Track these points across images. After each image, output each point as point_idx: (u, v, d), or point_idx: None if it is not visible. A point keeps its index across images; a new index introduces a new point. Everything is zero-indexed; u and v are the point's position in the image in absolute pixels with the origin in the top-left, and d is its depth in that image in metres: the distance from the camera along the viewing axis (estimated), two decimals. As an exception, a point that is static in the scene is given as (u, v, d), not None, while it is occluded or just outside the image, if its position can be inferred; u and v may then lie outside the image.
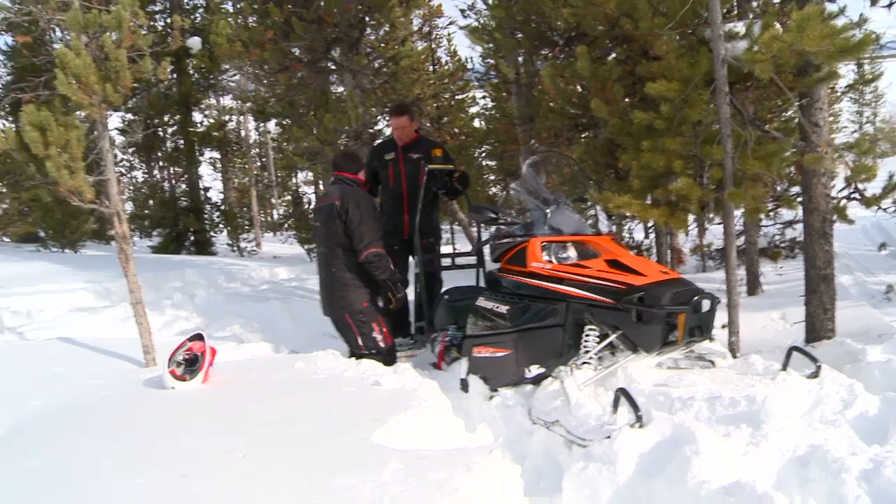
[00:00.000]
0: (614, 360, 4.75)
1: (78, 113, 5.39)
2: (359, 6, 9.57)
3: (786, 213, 12.48)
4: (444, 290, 6.66)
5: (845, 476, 3.02)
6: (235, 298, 8.84)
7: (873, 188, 5.96)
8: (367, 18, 9.96)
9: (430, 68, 15.50)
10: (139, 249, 14.96)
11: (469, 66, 15.98)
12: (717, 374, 4.70)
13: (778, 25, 5.07)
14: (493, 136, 14.54)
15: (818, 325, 6.00)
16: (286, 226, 21.70)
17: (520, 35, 8.65)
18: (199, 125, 18.92)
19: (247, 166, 26.59)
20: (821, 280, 5.94)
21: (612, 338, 4.71)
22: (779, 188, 10.79)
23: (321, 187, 22.10)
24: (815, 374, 4.31)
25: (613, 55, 7.35)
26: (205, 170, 21.38)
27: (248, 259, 16.03)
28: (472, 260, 6.81)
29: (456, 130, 15.48)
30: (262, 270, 11.37)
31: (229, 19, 11.67)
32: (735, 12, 7.40)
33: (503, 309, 5.14)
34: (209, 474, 3.12)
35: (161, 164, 20.07)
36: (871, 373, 4.52)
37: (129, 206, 18.61)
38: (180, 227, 17.07)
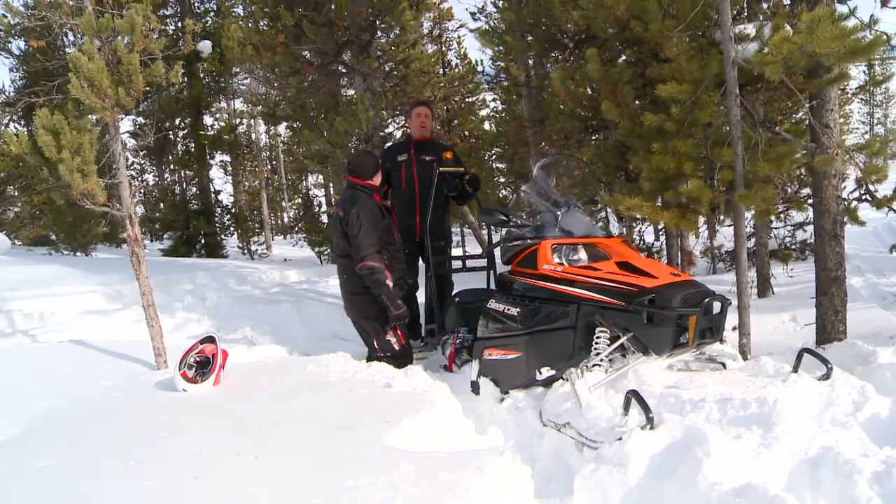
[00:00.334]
0: (625, 362, 4.75)
1: (90, 116, 5.43)
2: (369, 9, 9.61)
3: (796, 215, 12.44)
4: (454, 292, 6.68)
5: (857, 478, 3.02)
6: (246, 301, 8.86)
7: (884, 189, 5.94)
8: (377, 22, 10.00)
9: (441, 71, 15.53)
10: (150, 252, 15.02)
11: (479, 68, 16.04)
12: (728, 376, 4.69)
13: (788, 27, 5.06)
14: (504, 139, 14.57)
15: (829, 326, 5.98)
16: (296, 229, 21.77)
17: (530, 38, 8.67)
18: (209, 128, 19.00)
19: (257, 169, 26.65)
20: (832, 282, 5.93)
21: (623, 340, 4.70)
22: (789, 190, 10.78)
23: (332, 190, 22.17)
24: (826, 376, 4.30)
25: (624, 57, 7.36)
26: (215, 173, 21.46)
27: (259, 262, 16.07)
28: (483, 262, 6.82)
29: (466, 133, 15.51)
30: (272, 273, 11.40)
31: (240, 23, 11.74)
32: (745, 14, 7.39)
33: (514, 311, 5.15)
34: (221, 476, 3.14)
35: (172, 167, 20.13)
36: (882, 375, 4.51)
37: (140, 210, 18.66)
38: (191, 230, 17.15)
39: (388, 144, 9.17)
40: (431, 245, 6.41)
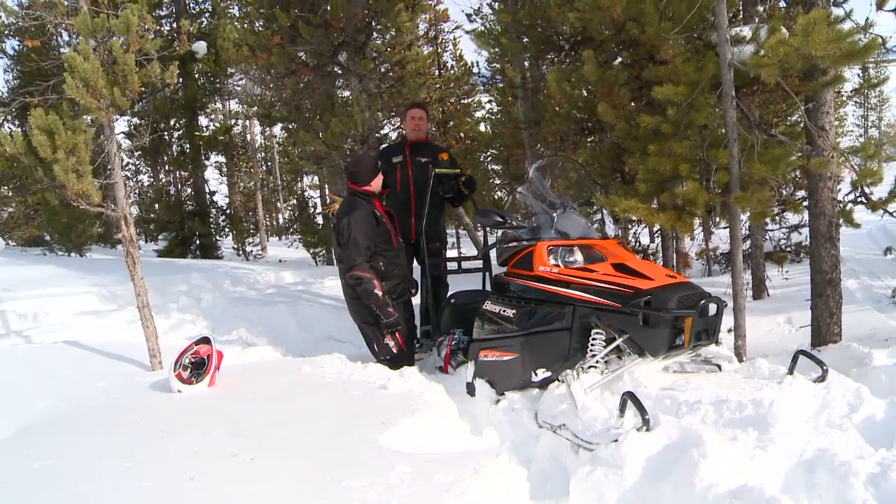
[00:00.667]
0: (621, 364, 4.75)
1: (85, 117, 5.42)
2: (365, 10, 9.59)
3: (792, 217, 12.48)
4: (450, 293, 6.67)
5: (853, 480, 3.03)
6: (241, 302, 8.85)
7: (879, 192, 5.95)
8: (373, 23, 9.98)
9: (437, 72, 15.54)
10: (145, 253, 14.95)
11: (475, 70, 16.02)
12: (724, 377, 4.69)
13: (784, 30, 5.07)
14: (499, 141, 14.59)
15: (824, 329, 5.99)
16: (292, 230, 21.75)
17: (526, 39, 8.67)
18: (205, 129, 18.99)
19: (252, 170, 26.64)
20: (827, 284, 5.94)
21: (619, 341, 4.70)
22: (785, 192, 10.79)
23: (327, 191, 22.14)
24: (821, 378, 4.31)
25: (620, 59, 7.36)
26: (210, 174, 21.47)
27: (254, 263, 16.06)
28: (479, 264, 6.82)
29: (462, 134, 15.52)
30: (267, 274, 11.38)
31: (236, 23, 11.72)
32: (741, 16, 7.41)
33: (510, 313, 5.15)
34: (216, 477, 3.13)
35: (167, 167, 20.11)
36: (877, 377, 4.52)
37: (135, 210, 18.63)
38: (186, 230, 17.13)
39: (384, 146, 9.15)
40: (427, 247, 6.41)
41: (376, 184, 5.81)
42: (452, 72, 16.35)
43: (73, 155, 5.02)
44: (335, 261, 5.95)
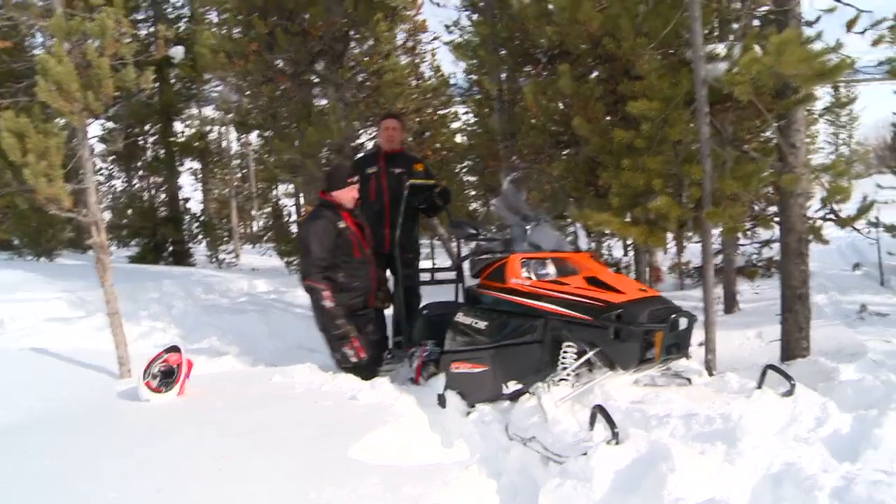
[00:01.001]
0: (591, 377, 4.75)
1: (58, 120, 5.37)
2: (344, 20, 9.58)
3: (763, 233, 12.62)
4: (422, 304, 6.66)
5: (817, 493, 3.05)
6: (213, 310, 8.79)
7: (848, 209, 6.03)
8: (351, 32, 9.97)
9: (414, 83, 15.51)
10: (116, 259, 14.81)
11: (452, 81, 16.02)
12: (694, 391, 4.71)
13: (758, 48, 5.13)
14: (475, 152, 14.62)
15: (793, 343, 6.05)
16: (266, 238, 21.64)
17: (503, 52, 8.72)
18: (180, 135, 18.84)
19: (227, 178, 26.48)
20: (796, 299, 6.00)
21: (590, 355, 4.71)
22: (756, 208, 10.90)
23: (302, 200, 22.06)
24: (789, 393, 4.34)
25: (596, 73, 7.41)
26: (185, 180, 21.25)
27: (227, 271, 15.95)
28: (452, 275, 6.80)
29: (438, 145, 15.48)
30: (240, 282, 11.33)
31: (213, 30, 11.65)
32: (716, 34, 7.48)
33: (482, 325, 5.14)
34: (182, 489, 3.10)
35: (141, 173, 19.90)
36: (843, 391, 4.56)
37: (107, 216, 18.44)
38: (159, 237, 16.97)
39: (359, 156, 9.14)
40: (400, 257, 6.39)
41: (345, 195, 5.77)
42: (430, 83, 16.34)
43: (43, 159, 4.96)
44: None
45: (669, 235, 6.97)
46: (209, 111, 22.50)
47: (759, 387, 4.47)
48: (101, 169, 20.50)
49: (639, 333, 4.52)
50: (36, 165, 4.89)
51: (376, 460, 3.49)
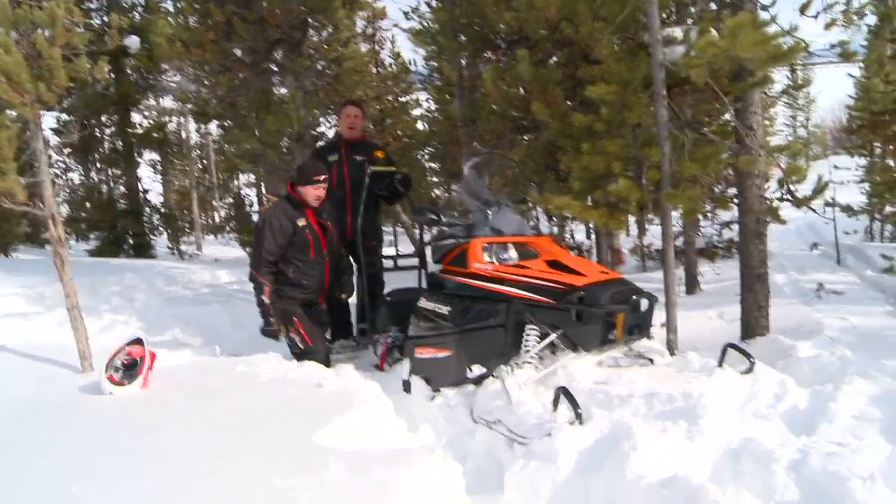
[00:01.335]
0: (555, 360, 4.80)
1: (9, 112, 5.26)
2: (302, 7, 9.48)
3: (723, 214, 12.77)
4: (385, 291, 6.66)
5: (775, 466, 3.12)
6: (175, 302, 8.70)
7: (804, 189, 6.13)
8: (309, 20, 9.88)
9: (374, 70, 15.44)
10: (76, 253, 14.59)
11: (412, 68, 15.97)
12: (656, 371, 4.76)
13: (714, 32, 5.18)
14: (436, 138, 14.59)
15: (753, 322, 6.15)
16: (227, 228, 21.43)
17: (463, 38, 8.72)
18: (138, 126, 18.55)
19: (187, 168, 26.18)
20: (756, 279, 6.10)
21: (553, 337, 4.75)
22: (716, 190, 11.02)
23: (263, 189, 21.86)
24: (749, 370, 4.43)
25: (554, 58, 7.44)
26: (144, 171, 20.93)
27: (189, 262, 15.78)
28: (415, 261, 6.80)
29: (399, 132, 15.45)
30: (202, 273, 11.22)
31: (169, 19, 11.51)
32: (673, 18, 7.54)
33: (445, 310, 5.15)
34: (147, 478, 3.08)
35: (98, 165, 19.58)
36: (800, 368, 4.67)
37: (64, 209, 18.14)
38: (118, 230, 16.71)
39: (319, 144, 9.09)
40: (363, 244, 6.38)
41: (309, 192, 5.71)
42: (390, 69, 16.27)
43: (-5, 152, 4.87)
44: None
45: (630, 218, 7.04)
46: (167, 101, 22.22)
47: (720, 365, 4.54)
48: (56, 162, 20.18)
49: (601, 315, 4.57)
50: (-13, 159, 4.80)
51: (342, 446, 3.49)
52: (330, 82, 11.02)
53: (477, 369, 4.89)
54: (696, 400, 3.85)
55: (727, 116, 8.97)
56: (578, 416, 3.76)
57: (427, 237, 6.69)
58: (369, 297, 6.45)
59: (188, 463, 3.25)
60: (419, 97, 17.25)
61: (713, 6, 6.38)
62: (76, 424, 4.01)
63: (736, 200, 6.45)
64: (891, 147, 15.57)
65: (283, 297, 5.66)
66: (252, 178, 25.65)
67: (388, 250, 7.25)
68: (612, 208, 5.84)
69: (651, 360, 5.05)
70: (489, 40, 8.38)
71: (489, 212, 5.49)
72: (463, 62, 9.93)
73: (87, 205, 17.72)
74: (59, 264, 5.40)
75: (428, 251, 6.12)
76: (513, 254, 5.21)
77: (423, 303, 5.33)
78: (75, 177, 20.78)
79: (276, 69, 10.23)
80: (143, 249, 16.89)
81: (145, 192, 18.38)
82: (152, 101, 20.95)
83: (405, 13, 12.76)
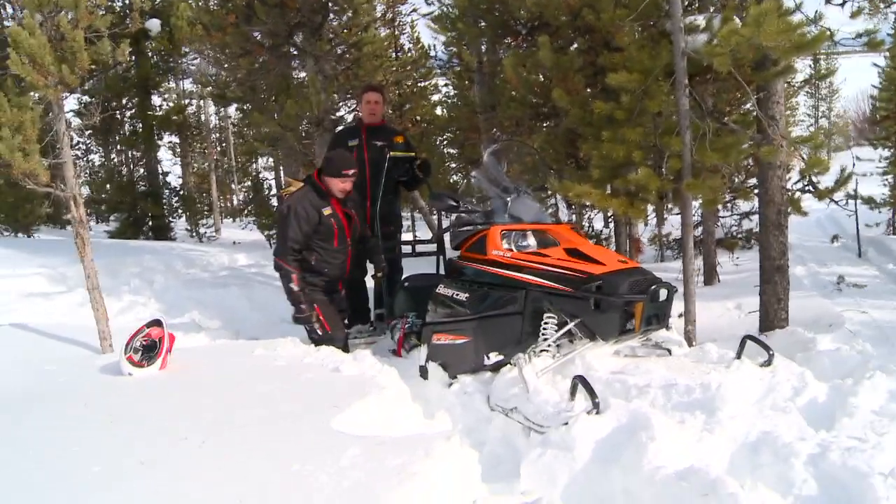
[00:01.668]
0: (572, 348, 4.78)
1: (32, 94, 5.29)
2: (322, -9, 9.49)
3: (743, 205, 12.69)
4: (403, 277, 6.67)
5: (794, 461, 3.11)
6: (194, 284, 8.75)
7: (826, 181, 6.07)
8: (330, 4, 9.86)
9: (393, 55, 15.42)
10: (96, 234, 14.71)
11: (432, 53, 15.96)
12: (673, 361, 4.75)
13: (737, 20, 5.13)
14: (455, 124, 14.57)
15: (772, 314, 6.12)
16: (246, 211, 21.51)
17: (483, 24, 8.66)
18: (158, 109, 18.64)
19: (206, 151, 26.24)
20: (775, 270, 6.06)
21: (571, 325, 4.73)
22: (736, 180, 10.96)
23: (282, 173, 21.93)
24: (767, 363, 4.40)
25: (575, 45, 7.39)
26: (164, 154, 21.03)
27: (208, 245, 15.87)
28: (433, 247, 6.81)
29: (418, 118, 15.45)
30: (221, 256, 11.25)
31: (190, 2, 11.51)
32: (696, 5, 7.47)
33: (463, 296, 5.15)
34: (166, 462, 3.10)
35: (119, 147, 19.73)
36: (820, 361, 4.64)
37: (85, 190, 18.27)
38: (138, 211, 16.81)
39: (339, 129, 9.09)
40: (382, 230, 6.39)
41: (335, 185, 5.69)
42: (409, 55, 16.25)
43: (18, 133, 4.89)
44: None
45: (649, 207, 7.00)
46: (187, 84, 22.30)
47: (738, 357, 4.51)
48: (78, 143, 20.31)
49: (619, 304, 4.55)
50: (11, 140, 4.82)
51: (359, 432, 3.50)
52: (350, 66, 11.02)
53: (494, 357, 4.89)
54: (715, 392, 3.84)
55: (749, 106, 8.91)
56: (596, 405, 3.75)
57: (445, 223, 6.68)
58: (387, 283, 6.46)
59: (205, 446, 3.26)
60: (438, 83, 17.24)
61: (736, -7, 6.32)
62: (96, 406, 4.04)
63: (756, 191, 6.40)
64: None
65: (304, 283, 5.66)
66: (271, 161, 25.71)
67: (406, 236, 7.24)
68: (631, 197, 5.82)
69: (669, 351, 5.04)
70: (509, 26, 8.34)
71: (508, 199, 5.47)
72: (483, 48, 9.91)
73: (108, 186, 17.84)
74: (80, 245, 5.44)
75: (446, 237, 6.11)
76: (531, 241, 5.20)
77: (441, 289, 5.33)
78: (96, 158, 20.92)
79: (296, 53, 10.23)
80: (162, 231, 16.99)
81: (165, 174, 18.48)
82: (172, 84, 21.04)
83: (425, -2, 12.71)
